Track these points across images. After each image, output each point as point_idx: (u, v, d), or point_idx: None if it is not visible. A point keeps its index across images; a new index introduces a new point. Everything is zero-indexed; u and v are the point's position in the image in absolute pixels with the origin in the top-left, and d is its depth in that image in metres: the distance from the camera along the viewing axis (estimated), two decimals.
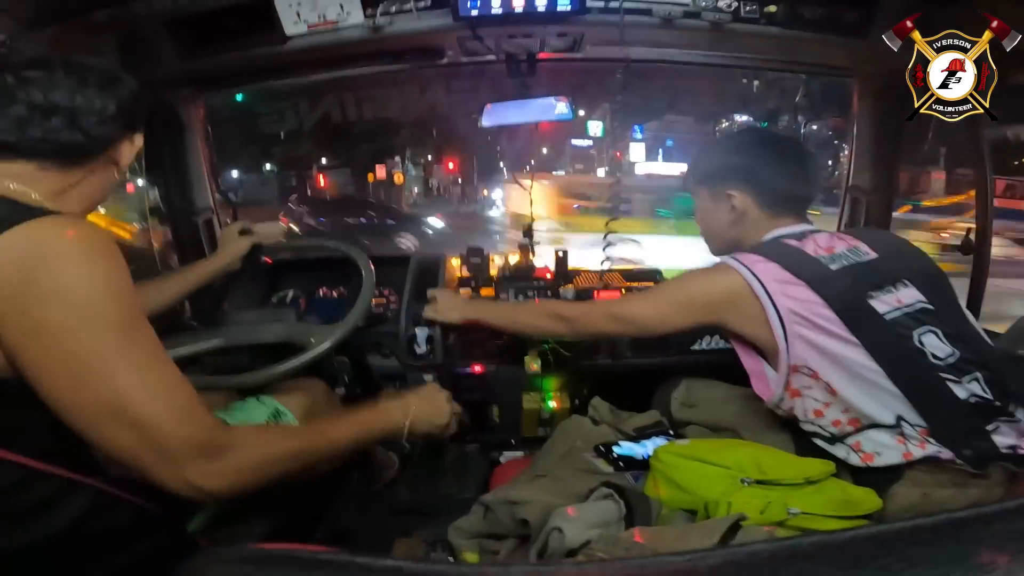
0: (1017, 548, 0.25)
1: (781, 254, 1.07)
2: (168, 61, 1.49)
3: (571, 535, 0.79)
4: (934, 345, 0.98)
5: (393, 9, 1.44)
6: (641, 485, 1.04)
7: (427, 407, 1.09)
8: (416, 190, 25.02)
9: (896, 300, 1.02)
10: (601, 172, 35.24)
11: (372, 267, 1.40)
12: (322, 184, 19.23)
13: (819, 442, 1.03)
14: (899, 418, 0.95)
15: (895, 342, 0.97)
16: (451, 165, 26.82)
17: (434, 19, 1.49)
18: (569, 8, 1.44)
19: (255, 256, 1.50)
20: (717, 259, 1.18)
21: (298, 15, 1.41)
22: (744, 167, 1.19)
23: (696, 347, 1.81)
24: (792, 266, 1.04)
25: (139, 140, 0.87)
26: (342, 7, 1.41)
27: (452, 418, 1.15)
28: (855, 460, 0.98)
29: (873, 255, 1.08)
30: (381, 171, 20.17)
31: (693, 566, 0.32)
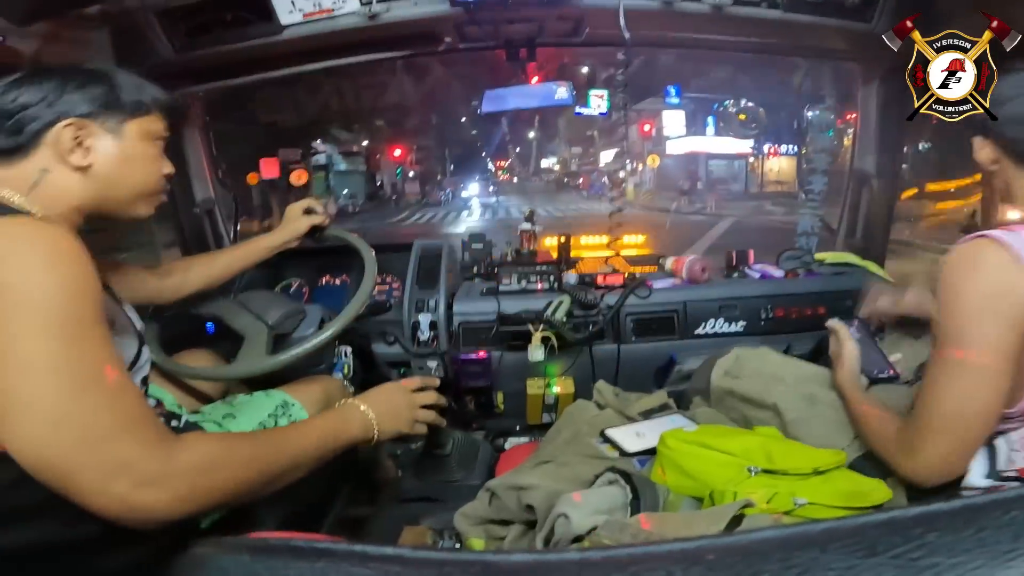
0: None
1: None
2: (163, 54, 1.48)
3: (577, 521, 0.80)
4: None
5: None
6: (647, 471, 1.04)
7: (386, 409, 1.02)
8: (344, 193, 18.89)
9: None
10: (609, 155, 29.88)
11: (374, 256, 1.40)
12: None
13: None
14: None
15: None
16: (397, 152, 20.81)
17: (431, 5, 1.47)
18: None
19: (313, 236, 1.48)
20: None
21: (293, 3, 1.39)
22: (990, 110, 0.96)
23: (701, 331, 1.81)
24: None
25: (68, 130, 0.82)
26: None
27: (415, 415, 1.08)
28: None
29: None
30: (271, 168, 11.31)
31: (701, 552, 0.31)
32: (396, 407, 1.04)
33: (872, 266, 1.89)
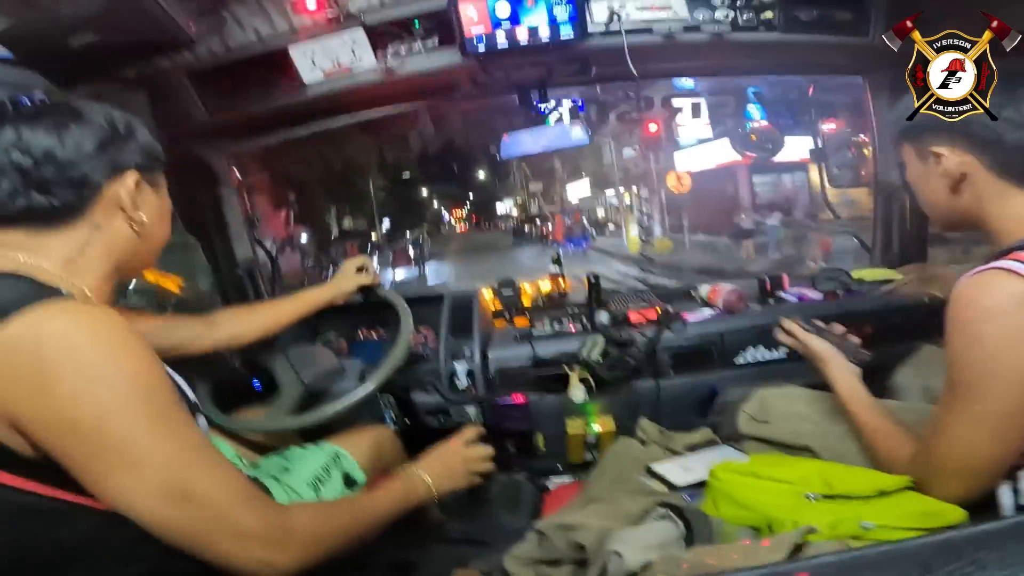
0: None
1: None
2: (197, 115, 1.56)
3: (630, 558, 0.77)
4: None
5: (403, 51, 1.50)
6: (698, 504, 1.00)
7: (443, 470, 1.10)
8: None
9: None
10: (581, 187, 21.92)
11: (409, 310, 1.42)
12: None
13: None
14: None
15: None
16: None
17: (443, 57, 1.54)
18: (572, 37, 1.48)
19: (363, 295, 1.52)
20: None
21: (313, 63, 1.47)
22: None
23: (741, 360, 1.76)
24: None
25: (131, 179, 0.77)
26: (354, 52, 1.47)
27: (470, 472, 1.15)
28: None
29: None
30: None
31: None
32: (451, 467, 1.12)
33: None
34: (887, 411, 1.03)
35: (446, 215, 41.58)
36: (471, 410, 1.71)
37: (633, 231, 16.45)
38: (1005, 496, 0.82)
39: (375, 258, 13.29)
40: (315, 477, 1.20)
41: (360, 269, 1.50)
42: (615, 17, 1.47)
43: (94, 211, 0.74)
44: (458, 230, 39.70)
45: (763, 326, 1.76)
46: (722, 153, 12.60)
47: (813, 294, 1.89)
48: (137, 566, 0.70)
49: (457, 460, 1.14)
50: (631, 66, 1.50)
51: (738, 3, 1.50)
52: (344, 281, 1.47)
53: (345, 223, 18.60)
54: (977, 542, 0.30)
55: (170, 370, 0.87)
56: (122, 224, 0.77)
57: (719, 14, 1.51)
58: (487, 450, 1.19)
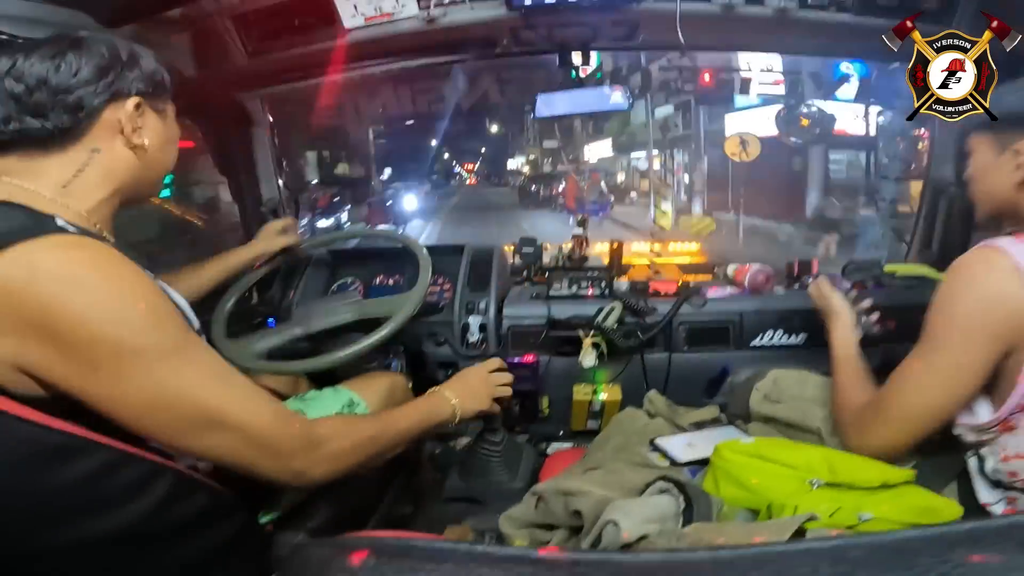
0: None
1: None
2: (237, 58, 1.55)
3: (628, 529, 0.77)
4: None
5: (447, 0, 1.46)
6: (698, 481, 1.01)
7: (467, 392, 1.16)
8: None
9: None
10: (600, 149, 19.81)
11: (429, 261, 1.42)
12: None
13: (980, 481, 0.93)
14: None
15: None
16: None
17: (487, 9, 1.50)
18: None
19: (284, 256, 1.56)
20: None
21: (355, 8, 1.44)
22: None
23: (757, 343, 1.74)
24: None
25: (131, 104, 0.78)
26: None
27: (492, 397, 1.22)
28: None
29: None
30: None
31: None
32: (475, 389, 1.19)
33: None
34: (866, 372, 1.09)
35: (456, 168, 41.03)
36: None
37: (664, 204, 13.35)
38: (976, 479, 0.92)
39: (346, 212, 12.80)
40: None
41: (283, 231, 1.54)
42: None
43: (92, 135, 0.76)
44: (468, 183, 39.16)
45: (785, 310, 1.73)
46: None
47: (842, 283, 1.85)
48: (144, 502, 0.70)
49: (480, 383, 1.21)
50: (681, 36, 1.44)
51: None
52: (264, 243, 1.50)
53: (339, 169, 17.95)
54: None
55: (173, 293, 0.88)
56: (122, 148, 0.78)
57: None
58: (509, 377, 1.27)
